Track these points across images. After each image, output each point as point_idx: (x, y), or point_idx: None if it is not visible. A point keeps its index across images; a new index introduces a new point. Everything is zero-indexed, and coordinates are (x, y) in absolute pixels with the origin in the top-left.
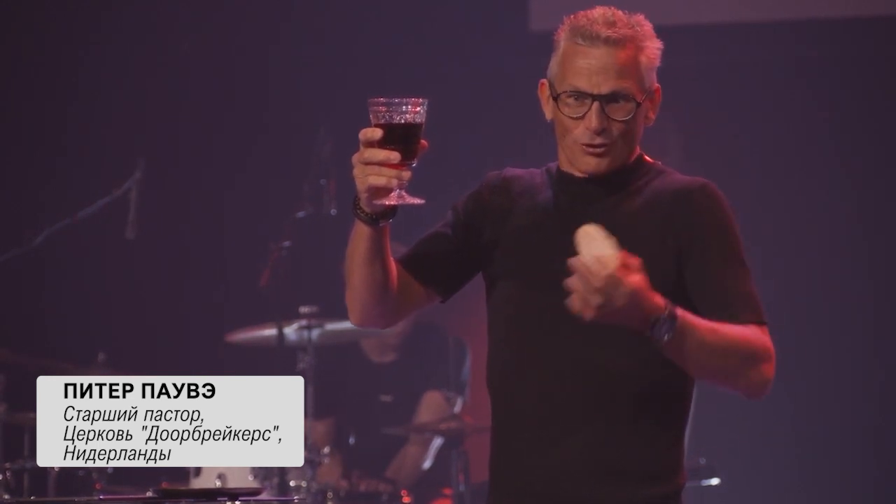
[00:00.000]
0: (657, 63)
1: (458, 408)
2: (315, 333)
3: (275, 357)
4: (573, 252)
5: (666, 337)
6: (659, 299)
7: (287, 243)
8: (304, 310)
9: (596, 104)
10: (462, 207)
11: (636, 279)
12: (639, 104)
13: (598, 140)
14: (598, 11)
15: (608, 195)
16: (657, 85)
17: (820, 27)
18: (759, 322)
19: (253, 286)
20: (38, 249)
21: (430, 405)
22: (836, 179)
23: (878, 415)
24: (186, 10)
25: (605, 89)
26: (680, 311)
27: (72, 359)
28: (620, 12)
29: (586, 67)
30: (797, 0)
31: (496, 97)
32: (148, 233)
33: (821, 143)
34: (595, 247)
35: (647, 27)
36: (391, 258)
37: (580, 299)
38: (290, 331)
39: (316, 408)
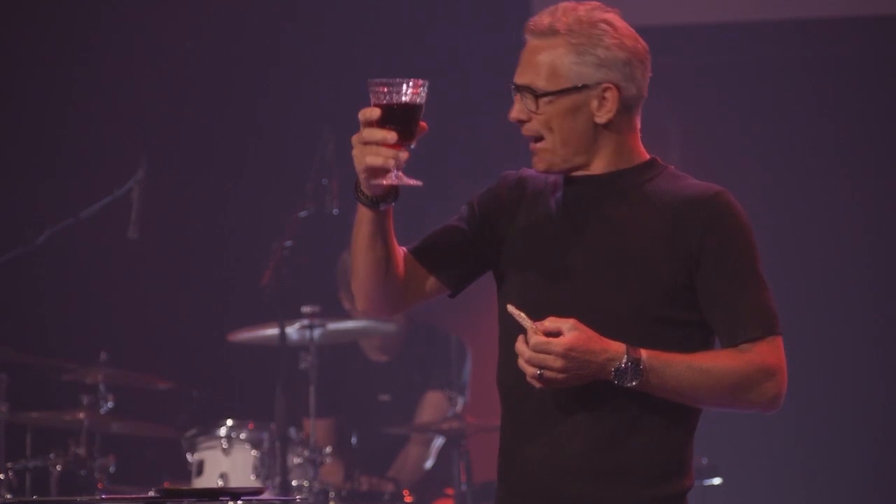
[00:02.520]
0: (610, 61)
1: (458, 408)
2: (317, 333)
3: (277, 357)
4: (579, 251)
5: (633, 383)
6: (615, 346)
7: (289, 243)
8: (306, 309)
9: (516, 94)
10: (478, 203)
11: (568, 339)
12: (538, 97)
13: (525, 133)
14: (560, 4)
15: (615, 196)
16: (609, 85)
17: (820, 27)
18: (769, 334)
19: (255, 286)
20: (40, 249)
21: (433, 405)
22: (836, 179)
23: (880, 415)
24: (186, 10)
25: (518, 80)
26: (647, 354)
27: (74, 358)
28: (581, 7)
29: (520, 58)
30: (797, 0)
31: (497, 97)
32: (150, 232)
33: (821, 142)
34: (521, 323)
35: (612, 25)
36: (395, 243)
37: (526, 374)
38: (293, 330)
39: (318, 407)
